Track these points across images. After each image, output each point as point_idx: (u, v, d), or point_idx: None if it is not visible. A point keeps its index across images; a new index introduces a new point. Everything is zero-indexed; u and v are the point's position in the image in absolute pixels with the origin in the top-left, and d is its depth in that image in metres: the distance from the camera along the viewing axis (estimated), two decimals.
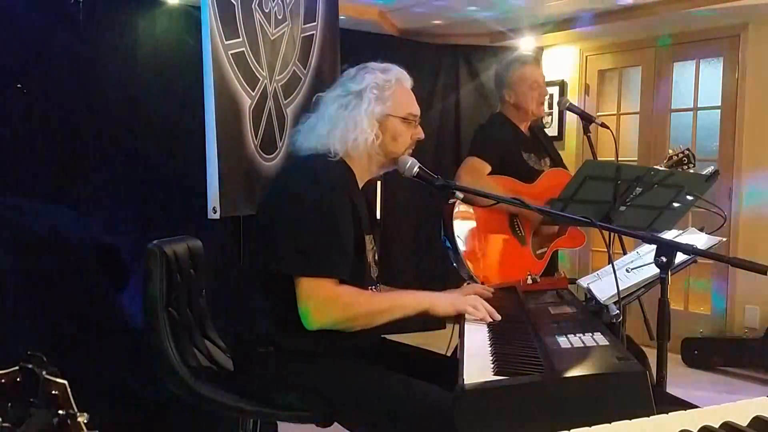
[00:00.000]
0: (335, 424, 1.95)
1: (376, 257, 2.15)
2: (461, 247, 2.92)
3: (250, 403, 1.95)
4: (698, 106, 5.07)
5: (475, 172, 3.01)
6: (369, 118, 2.01)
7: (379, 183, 5.07)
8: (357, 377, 1.90)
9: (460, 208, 2.96)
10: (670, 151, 3.12)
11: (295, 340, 1.92)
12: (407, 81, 2.12)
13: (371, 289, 2.07)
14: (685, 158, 3.04)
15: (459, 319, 2.03)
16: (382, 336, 2.19)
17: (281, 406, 1.94)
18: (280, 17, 3.22)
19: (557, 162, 3.31)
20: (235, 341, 2.13)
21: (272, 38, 3.18)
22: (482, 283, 2.87)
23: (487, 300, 2.09)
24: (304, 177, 1.98)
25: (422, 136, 2.12)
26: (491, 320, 1.98)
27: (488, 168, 3.03)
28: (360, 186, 2.10)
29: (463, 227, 2.95)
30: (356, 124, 2.00)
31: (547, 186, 3.07)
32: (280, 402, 1.94)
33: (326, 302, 1.87)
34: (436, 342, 2.76)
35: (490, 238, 3.01)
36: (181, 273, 2.17)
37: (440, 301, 2.00)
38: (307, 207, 1.90)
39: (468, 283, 2.94)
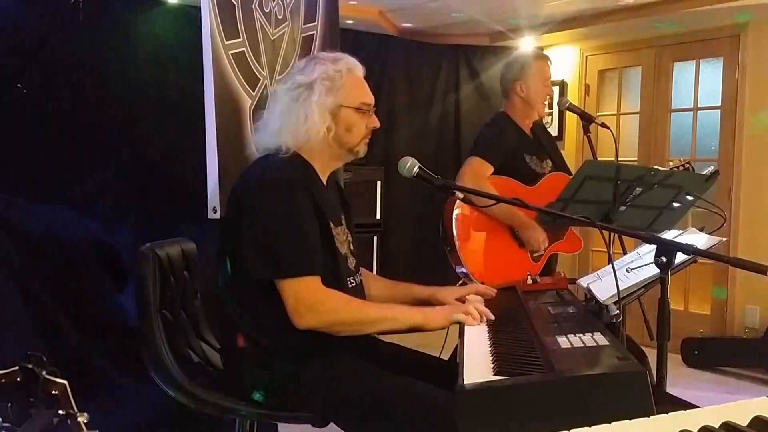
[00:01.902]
0: (332, 423, 1.94)
1: (352, 248, 2.11)
2: (459, 246, 2.92)
3: (245, 405, 1.95)
4: (698, 106, 5.07)
5: (477, 174, 3.01)
6: (320, 110, 1.96)
7: (379, 183, 5.08)
8: (353, 377, 1.89)
9: (460, 208, 2.96)
10: (671, 162, 3.11)
11: (280, 342, 1.92)
12: (359, 70, 2.07)
13: (350, 280, 2.05)
14: (684, 170, 3.03)
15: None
16: (378, 338, 2.18)
17: (276, 407, 1.93)
18: (280, 17, 3.22)
19: (558, 163, 3.31)
20: (221, 345, 2.12)
21: (273, 38, 3.18)
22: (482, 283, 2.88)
23: (489, 300, 2.07)
24: (257, 181, 1.94)
25: (377, 124, 2.08)
26: (485, 323, 1.96)
27: (490, 169, 3.03)
28: (324, 179, 2.06)
29: (461, 227, 2.96)
30: (307, 116, 1.95)
31: (547, 189, 3.07)
32: (274, 403, 1.92)
33: (314, 304, 1.85)
34: (435, 342, 2.76)
35: (488, 238, 3.01)
36: (174, 275, 2.17)
37: (432, 316, 1.97)
38: (266, 210, 1.88)
39: (461, 283, 2.95)
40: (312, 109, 1.96)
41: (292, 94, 1.99)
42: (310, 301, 1.85)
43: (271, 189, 1.90)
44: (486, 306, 2.05)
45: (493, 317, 1.98)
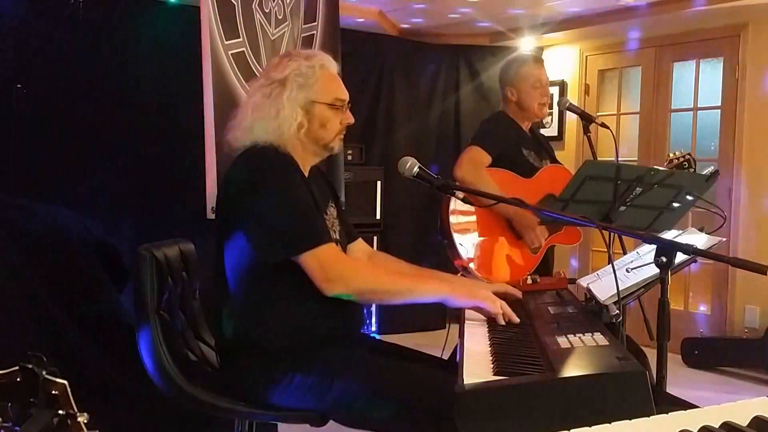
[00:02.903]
0: (332, 423, 1.94)
1: (338, 236, 2.12)
2: (456, 239, 2.92)
3: (243, 405, 1.94)
4: (698, 106, 5.07)
5: (475, 163, 3.01)
6: (291, 106, 1.97)
7: (379, 183, 5.08)
8: (352, 376, 1.88)
9: (457, 202, 2.96)
10: (671, 155, 3.10)
11: (277, 341, 1.92)
12: (333, 66, 2.08)
13: None
14: (686, 162, 3.02)
15: (460, 318, 2.02)
16: (378, 338, 2.18)
17: (274, 406, 1.93)
18: (280, 17, 3.22)
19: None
20: (218, 345, 2.11)
21: (273, 38, 3.18)
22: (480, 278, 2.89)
23: (512, 302, 2.07)
24: (246, 172, 1.94)
25: (352, 120, 2.08)
26: (506, 321, 1.94)
27: (488, 159, 3.03)
28: (305, 172, 2.05)
29: (459, 220, 2.96)
30: (278, 112, 1.96)
31: (545, 181, 3.07)
32: (272, 402, 1.92)
33: (343, 272, 1.87)
34: (435, 342, 2.76)
35: (485, 231, 3.00)
36: (173, 276, 2.17)
37: (459, 292, 1.98)
38: (263, 194, 1.88)
39: (462, 275, 2.95)
40: (283, 105, 1.97)
41: (264, 91, 2.00)
42: (338, 268, 1.87)
43: (262, 173, 1.91)
44: None
45: (518, 321, 1.95)
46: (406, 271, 2.25)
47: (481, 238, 2.99)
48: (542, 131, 3.47)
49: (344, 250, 2.15)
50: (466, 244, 2.94)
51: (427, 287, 1.99)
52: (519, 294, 2.24)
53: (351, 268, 1.92)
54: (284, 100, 1.97)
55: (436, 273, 2.25)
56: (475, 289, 2.04)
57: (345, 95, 2.07)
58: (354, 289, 1.89)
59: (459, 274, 2.98)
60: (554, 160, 3.33)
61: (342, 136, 2.09)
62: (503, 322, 1.94)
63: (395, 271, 2.19)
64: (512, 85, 3.19)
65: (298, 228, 1.87)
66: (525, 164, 3.12)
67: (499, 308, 1.95)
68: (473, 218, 3.00)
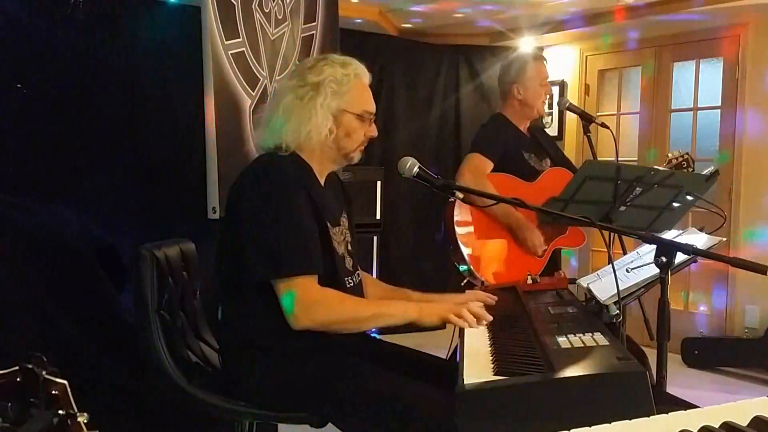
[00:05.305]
0: (330, 424, 1.94)
1: (350, 248, 2.11)
2: (462, 244, 2.92)
3: (243, 405, 1.94)
4: (698, 106, 5.07)
5: (477, 171, 3.01)
6: (324, 112, 1.96)
7: (379, 183, 5.08)
8: (352, 377, 1.88)
9: (461, 206, 2.96)
10: (669, 155, 3.11)
11: (278, 342, 1.91)
12: (366, 77, 2.07)
13: (348, 280, 2.04)
14: (684, 162, 3.03)
15: None
16: (378, 338, 2.18)
17: (274, 407, 1.93)
18: (280, 17, 3.22)
19: (559, 162, 3.31)
20: (219, 345, 2.11)
21: (272, 38, 3.18)
22: (483, 282, 2.89)
23: (488, 306, 2.06)
24: (255, 180, 1.94)
25: (375, 134, 2.09)
26: (477, 327, 1.94)
27: (490, 165, 3.03)
28: (321, 180, 2.06)
29: (463, 225, 2.96)
30: (311, 117, 1.96)
31: (547, 184, 3.07)
32: (273, 404, 1.92)
33: (310, 304, 1.85)
34: (436, 342, 2.76)
35: (490, 235, 3.01)
36: (173, 276, 2.17)
37: (428, 312, 1.96)
38: (264, 210, 1.88)
39: (466, 282, 2.95)
40: (316, 110, 1.96)
41: (298, 93, 1.99)
42: (305, 301, 1.85)
43: (269, 188, 1.90)
44: (487, 307, 2.04)
45: (490, 319, 1.96)
46: (381, 294, 2.23)
47: (486, 243, 3.00)
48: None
49: (353, 259, 2.13)
50: (471, 249, 2.94)
51: (393, 312, 1.97)
52: (492, 300, 2.20)
53: (317, 302, 1.87)
54: (317, 106, 1.96)
55: (409, 294, 2.22)
56: (442, 306, 2.01)
57: (373, 108, 2.07)
58: (319, 323, 1.87)
59: (465, 280, 2.99)
60: (556, 157, 3.32)
61: (363, 148, 2.09)
62: (477, 327, 1.92)
63: (370, 295, 2.17)
64: (520, 83, 3.18)
65: (284, 253, 1.85)
66: (526, 167, 3.13)
67: (466, 320, 1.93)
68: (478, 223, 3.00)
